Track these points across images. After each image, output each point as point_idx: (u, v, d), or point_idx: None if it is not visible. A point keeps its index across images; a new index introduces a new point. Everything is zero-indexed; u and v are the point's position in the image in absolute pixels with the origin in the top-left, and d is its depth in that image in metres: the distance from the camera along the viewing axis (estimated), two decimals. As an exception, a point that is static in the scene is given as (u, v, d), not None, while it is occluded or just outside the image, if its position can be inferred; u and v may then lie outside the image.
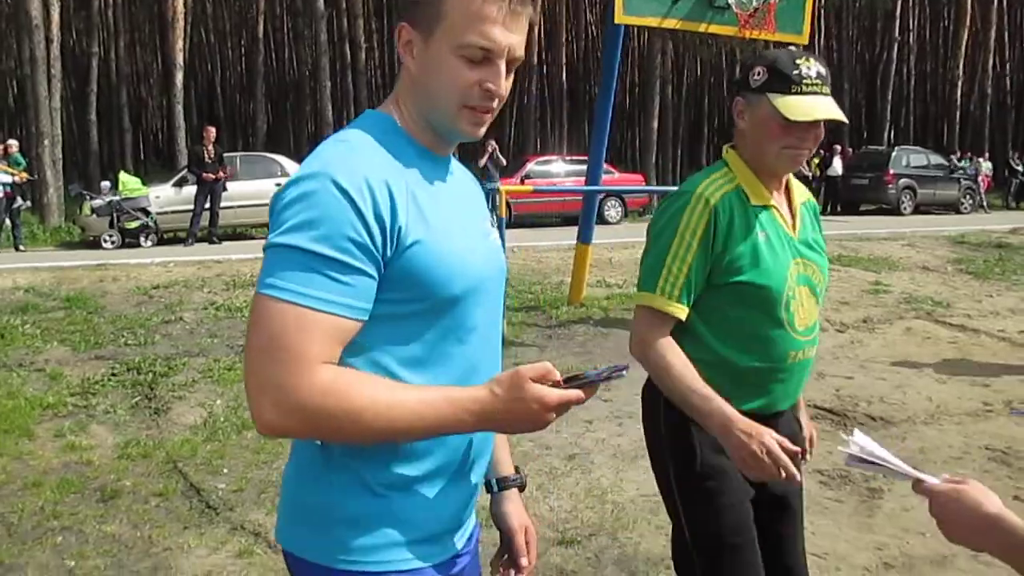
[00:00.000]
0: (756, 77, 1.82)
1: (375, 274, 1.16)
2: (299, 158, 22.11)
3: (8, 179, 14.09)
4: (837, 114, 1.77)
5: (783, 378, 1.90)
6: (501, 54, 1.22)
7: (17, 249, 14.10)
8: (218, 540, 3.60)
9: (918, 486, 1.17)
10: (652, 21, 6.40)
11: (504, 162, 17.69)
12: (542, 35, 33.03)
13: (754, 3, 6.25)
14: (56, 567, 3.37)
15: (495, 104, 1.25)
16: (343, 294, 1.14)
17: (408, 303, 1.20)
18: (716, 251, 1.82)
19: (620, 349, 6.77)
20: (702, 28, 6.58)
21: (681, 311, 1.83)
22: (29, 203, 15.66)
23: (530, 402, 1.15)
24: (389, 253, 1.17)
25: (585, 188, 8.23)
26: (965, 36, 30.16)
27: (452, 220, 1.26)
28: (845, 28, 36.57)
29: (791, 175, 1.99)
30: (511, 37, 1.22)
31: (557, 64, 32.34)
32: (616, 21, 6.30)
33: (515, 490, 1.54)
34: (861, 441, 1.26)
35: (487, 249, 1.34)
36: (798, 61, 1.79)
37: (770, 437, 1.66)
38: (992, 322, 8.00)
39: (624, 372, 1.17)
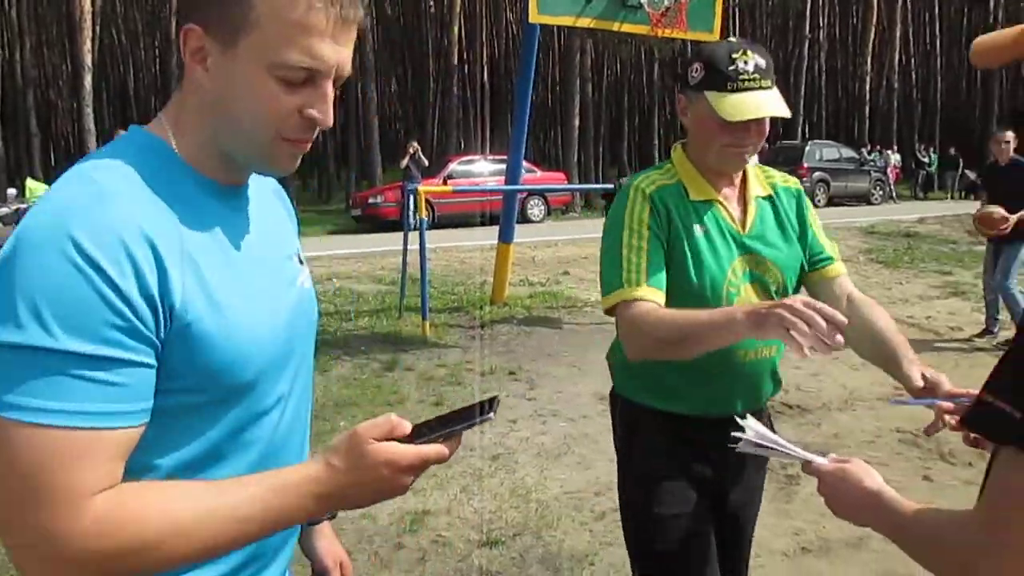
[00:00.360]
0: (694, 74, 1.75)
1: (152, 361, 0.90)
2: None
3: None
4: (774, 110, 1.69)
5: (733, 378, 1.81)
6: (329, 74, 0.97)
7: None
8: None
9: (807, 467, 1.20)
10: (566, 20, 6.43)
11: (426, 163, 17.57)
12: (462, 34, 32.97)
13: (665, 2, 6.33)
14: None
15: (315, 133, 1.01)
16: (114, 399, 0.86)
17: (187, 394, 0.94)
18: (665, 238, 1.76)
19: (543, 348, 6.80)
20: (615, 27, 6.64)
21: (655, 293, 1.71)
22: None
23: (378, 467, 0.94)
24: (163, 334, 0.90)
25: (505, 188, 8.24)
26: (872, 33, 31.20)
27: (245, 278, 1.01)
28: (759, 26, 37.47)
29: (756, 168, 1.92)
30: (340, 52, 0.98)
31: (478, 63, 32.35)
32: (531, 20, 6.31)
33: (326, 523, 1.37)
34: (753, 427, 1.28)
35: (294, 302, 1.10)
36: (734, 56, 1.70)
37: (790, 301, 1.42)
38: (902, 309, 8.29)
39: (492, 415, 1.00)
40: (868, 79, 31.87)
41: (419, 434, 0.99)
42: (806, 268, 1.89)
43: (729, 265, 1.79)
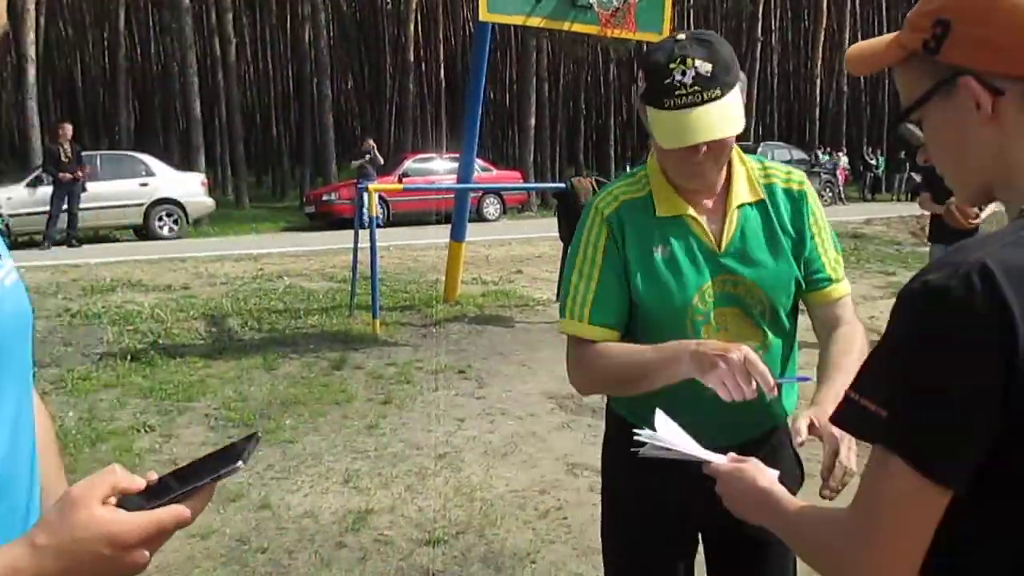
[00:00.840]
0: (640, 83, 1.54)
1: None
2: (168, 157, 21.33)
3: None
4: (712, 131, 1.46)
5: (711, 407, 1.44)
6: None
7: None
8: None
9: (707, 467, 1.21)
10: (516, 19, 6.44)
11: (382, 160, 17.49)
12: (419, 32, 32.82)
13: (615, 2, 6.37)
14: None
15: None
16: None
17: None
18: (622, 263, 1.61)
19: (494, 347, 6.80)
20: (565, 26, 6.66)
21: (594, 331, 1.59)
22: None
23: (98, 545, 0.75)
24: None
25: (456, 186, 8.22)
26: (822, 37, 31.73)
27: None
28: (712, 28, 37.85)
29: (755, 165, 1.69)
30: None
31: (435, 61, 32.24)
32: (481, 19, 6.31)
33: None
34: (661, 428, 1.29)
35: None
36: (672, 66, 1.46)
37: (730, 352, 1.37)
38: (846, 308, 8.44)
39: (242, 464, 0.83)
40: (819, 82, 32.41)
41: (156, 492, 0.81)
42: (803, 286, 1.66)
43: (696, 290, 1.59)
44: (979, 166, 0.94)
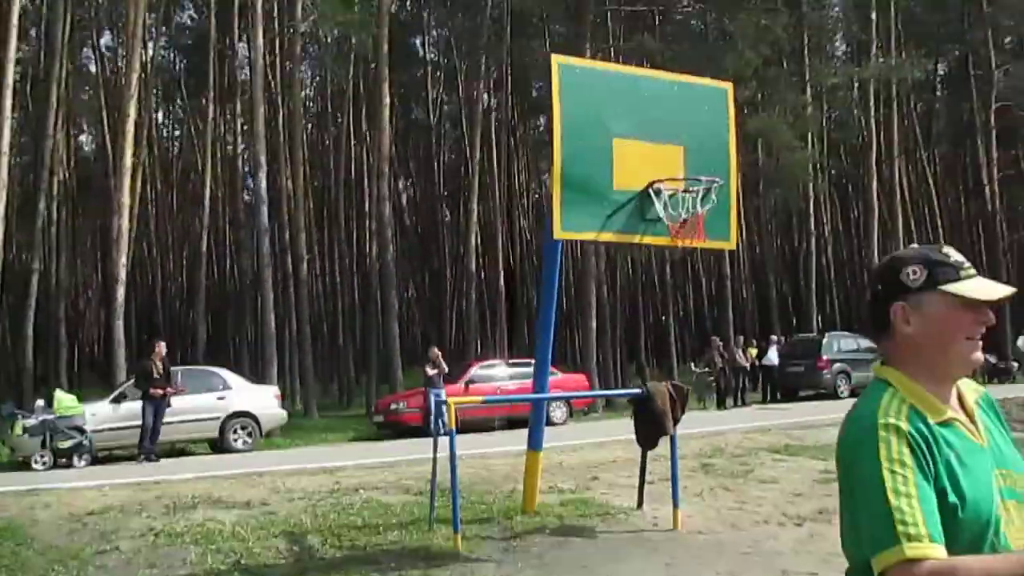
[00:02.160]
0: (914, 276, 1.69)
1: None
2: (239, 369, 21.98)
3: None
4: (1010, 288, 1.71)
5: None
6: None
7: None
8: None
9: None
10: (589, 236, 6.76)
11: (447, 368, 17.77)
12: (479, 242, 34.25)
13: (683, 215, 6.67)
14: None
15: None
16: None
17: None
18: (931, 475, 1.60)
19: (579, 560, 6.60)
20: (636, 240, 6.96)
21: (938, 549, 1.53)
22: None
23: None
24: None
25: (535, 396, 8.30)
26: (876, 226, 32.23)
27: None
28: (763, 225, 38.81)
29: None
30: None
31: (495, 269, 33.37)
32: (555, 237, 6.63)
33: None
34: None
35: None
36: (945, 251, 1.72)
37: None
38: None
39: None
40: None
41: None
42: None
43: (991, 485, 1.64)
44: None
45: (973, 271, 1.69)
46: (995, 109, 35.73)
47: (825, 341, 22.90)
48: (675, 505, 7.66)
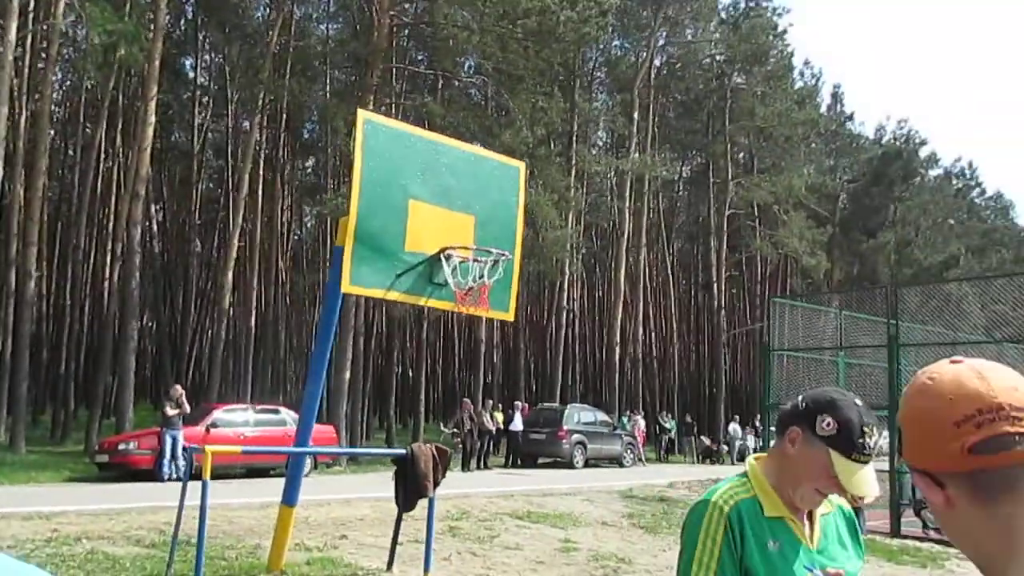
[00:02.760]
0: (825, 427, 1.89)
1: None
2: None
3: None
4: (876, 489, 1.90)
5: None
6: None
7: None
8: None
9: None
10: (377, 292, 6.73)
11: (188, 409, 16.68)
12: (235, 279, 32.78)
13: (470, 283, 6.83)
14: None
15: None
16: None
17: None
18: (737, 557, 1.88)
19: (330, 623, 6.38)
20: (422, 302, 7.03)
21: None
22: None
23: None
24: None
25: (297, 450, 8.01)
26: (620, 308, 34.60)
27: None
28: (527, 296, 40.43)
29: None
30: None
31: (248, 308, 32.07)
32: (343, 291, 6.53)
33: None
34: None
35: None
36: (865, 429, 1.88)
37: None
38: (669, 577, 8.68)
39: None
40: (616, 348, 34.90)
41: None
42: None
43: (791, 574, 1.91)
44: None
45: (867, 460, 1.89)
46: (728, 216, 40.03)
47: (567, 412, 24.05)
48: (426, 569, 7.66)
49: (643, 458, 26.54)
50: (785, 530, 1.94)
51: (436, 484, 7.79)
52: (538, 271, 35.64)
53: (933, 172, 57.46)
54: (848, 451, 1.87)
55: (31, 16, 27.29)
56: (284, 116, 35.55)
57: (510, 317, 7.59)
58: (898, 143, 51.00)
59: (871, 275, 44.15)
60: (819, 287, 39.87)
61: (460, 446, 21.35)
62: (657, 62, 38.63)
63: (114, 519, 10.22)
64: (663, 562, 9.67)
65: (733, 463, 29.70)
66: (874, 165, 48.70)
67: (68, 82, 38.81)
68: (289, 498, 7.81)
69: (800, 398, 2.01)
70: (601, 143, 45.22)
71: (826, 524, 2.03)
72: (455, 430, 21.95)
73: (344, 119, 28.14)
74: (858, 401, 1.95)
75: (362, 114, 6.66)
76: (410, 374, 39.78)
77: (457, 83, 32.46)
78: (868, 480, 1.89)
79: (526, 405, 26.78)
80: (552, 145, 31.48)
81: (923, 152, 52.88)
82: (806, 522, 1.99)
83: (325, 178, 36.54)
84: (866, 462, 1.88)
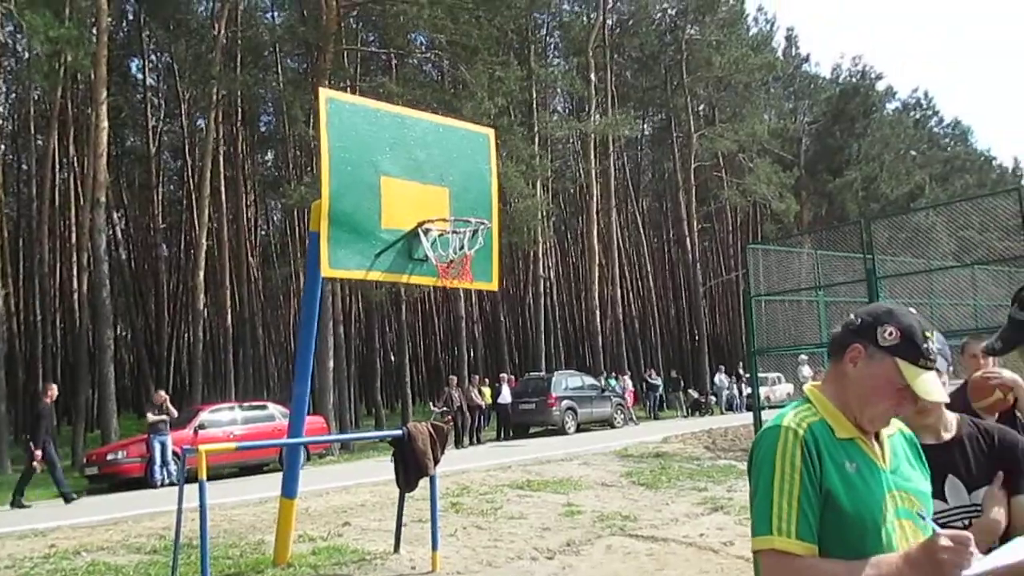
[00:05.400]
0: (887, 336, 1.85)
1: None
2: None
3: None
4: (945, 396, 1.88)
5: None
6: None
7: None
8: None
9: None
10: (357, 274, 6.60)
11: (175, 414, 16.50)
12: (206, 279, 32.37)
13: (451, 255, 6.72)
14: None
15: None
16: None
17: None
18: (817, 480, 1.80)
19: (343, 610, 6.32)
20: (404, 279, 6.91)
21: (803, 547, 1.75)
22: None
23: None
24: None
25: (291, 441, 7.90)
26: (595, 270, 34.61)
27: None
28: (504, 266, 40.27)
29: None
30: None
31: (223, 307, 31.72)
32: (324, 275, 6.41)
33: None
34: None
35: None
36: (927, 334, 1.85)
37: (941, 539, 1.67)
38: (675, 529, 8.69)
39: None
40: (596, 311, 34.95)
41: None
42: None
43: (883, 500, 1.84)
44: None
45: (934, 366, 1.84)
46: (694, 169, 40.01)
47: (554, 380, 24.07)
48: (434, 547, 7.61)
49: (634, 417, 26.66)
50: (859, 451, 1.88)
51: (436, 461, 7.73)
52: (511, 242, 35.60)
53: (891, 106, 58.03)
54: (915, 357, 1.84)
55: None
56: (239, 110, 34.99)
57: (494, 287, 7.51)
58: (855, 80, 51.25)
59: (840, 213, 44.48)
60: (790, 231, 40.09)
61: (451, 424, 21.32)
62: (609, 21, 38.28)
63: (111, 529, 10.08)
64: (667, 515, 9.70)
65: (723, 413, 29.96)
66: (833, 104, 48.95)
67: (13, 95, 37.92)
68: (288, 490, 7.72)
69: (853, 315, 1.96)
70: (562, 108, 44.99)
71: (894, 444, 1.98)
72: (444, 408, 21.91)
73: (301, 107, 27.77)
74: (912, 309, 1.91)
75: (323, 92, 6.49)
76: (393, 358, 39.60)
77: (412, 60, 32.08)
78: (937, 386, 1.86)
79: (512, 377, 26.79)
80: (513, 115, 31.25)
81: (880, 86, 53.25)
82: (875, 443, 1.93)
83: (287, 170, 36.12)
84: (932, 367, 1.85)
